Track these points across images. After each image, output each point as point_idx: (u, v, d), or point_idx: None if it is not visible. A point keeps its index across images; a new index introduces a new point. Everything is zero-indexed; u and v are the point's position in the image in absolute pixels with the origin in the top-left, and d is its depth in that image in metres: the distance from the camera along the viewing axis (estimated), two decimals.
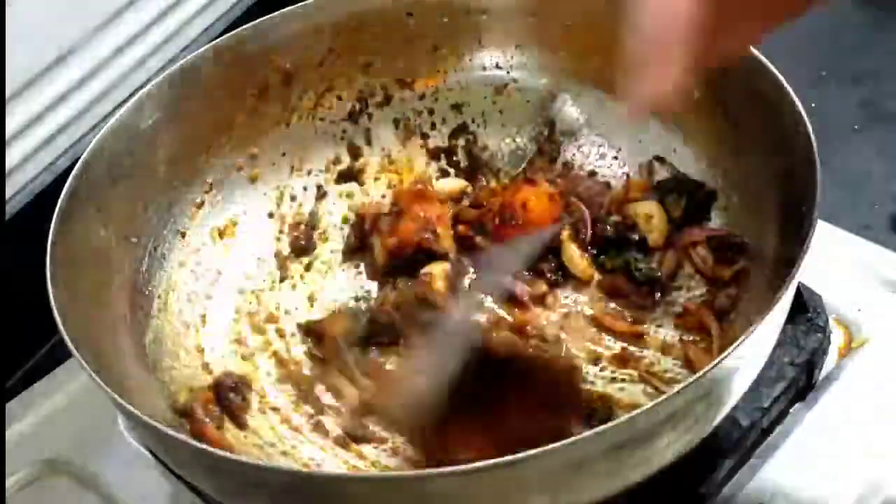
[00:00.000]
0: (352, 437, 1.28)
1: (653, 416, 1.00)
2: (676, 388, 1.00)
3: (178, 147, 1.41)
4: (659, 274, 1.36)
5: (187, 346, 1.36)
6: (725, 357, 1.02)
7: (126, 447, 1.38)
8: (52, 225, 1.22)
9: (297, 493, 1.05)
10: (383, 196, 1.53)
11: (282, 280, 1.47)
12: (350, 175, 1.54)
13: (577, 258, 1.39)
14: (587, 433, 0.98)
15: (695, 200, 1.38)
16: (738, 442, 1.26)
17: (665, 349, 1.32)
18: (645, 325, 1.35)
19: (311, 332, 1.39)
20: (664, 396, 0.99)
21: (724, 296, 1.32)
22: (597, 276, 1.40)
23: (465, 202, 1.49)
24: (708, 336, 1.30)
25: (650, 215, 1.41)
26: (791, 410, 1.31)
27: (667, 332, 1.34)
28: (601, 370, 1.32)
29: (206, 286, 1.42)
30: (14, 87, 1.52)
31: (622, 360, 1.32)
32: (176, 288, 1.39)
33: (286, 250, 1.49)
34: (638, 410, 0.99)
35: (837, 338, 1.37)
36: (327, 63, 1.50)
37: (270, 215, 1.50)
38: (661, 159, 1.44)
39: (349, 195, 1.54)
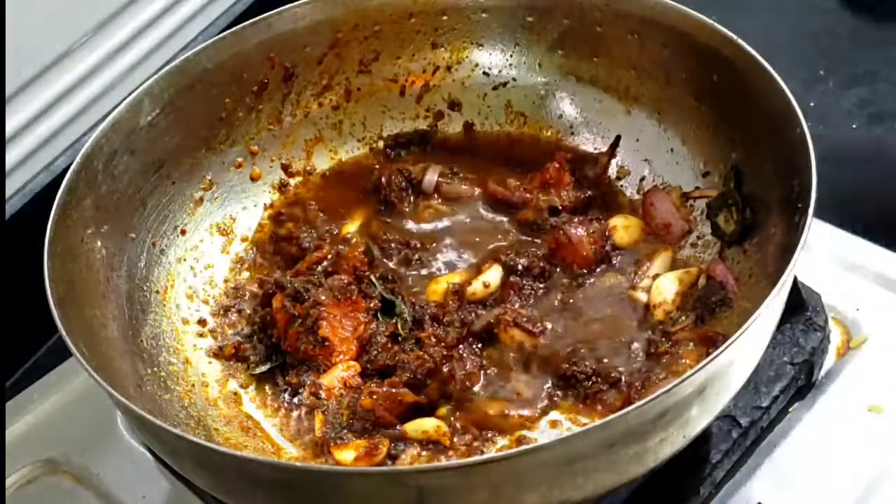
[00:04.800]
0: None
1: (644, 414, 1.00)
2: (668, 385, 1.00)
3: (177, 144, 1.42)
4: None
5: (186, 342, 1.36)
6: (720, 354, 1.02)
7: (126, 447, 1.38)
8: (50, 222, 1.23)
9: (296, 488, 1.05)
10: None
11: None
12: None
13: None
14: (577, 430, 0.98)
15: (744, 217, 1.33)
16: (737, 441, 1.26)
17: None
18: None
19: None
20: (656, 394, 0.99)
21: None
22: None
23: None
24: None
25: (625, 226, 1.41)
26: (790, 409, 1.32)
27: None
28: None
29: (204, 282, 1.43)
30: (14, 87, 1.53)
31: None
32: (174, 284, 1.40)
33: None
34: (629, 408, 0.99)
35: (836, 337, 1.37)
36: (327, 61, 1.51)
37: (268, 209, 1.51)
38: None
39: None
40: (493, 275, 1.37)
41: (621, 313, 1.33)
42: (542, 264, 1.37)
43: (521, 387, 1.28)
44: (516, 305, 1.34)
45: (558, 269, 1.37)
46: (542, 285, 1.37)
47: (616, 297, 1.35)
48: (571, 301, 1.35)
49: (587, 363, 1.27)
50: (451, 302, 1.35)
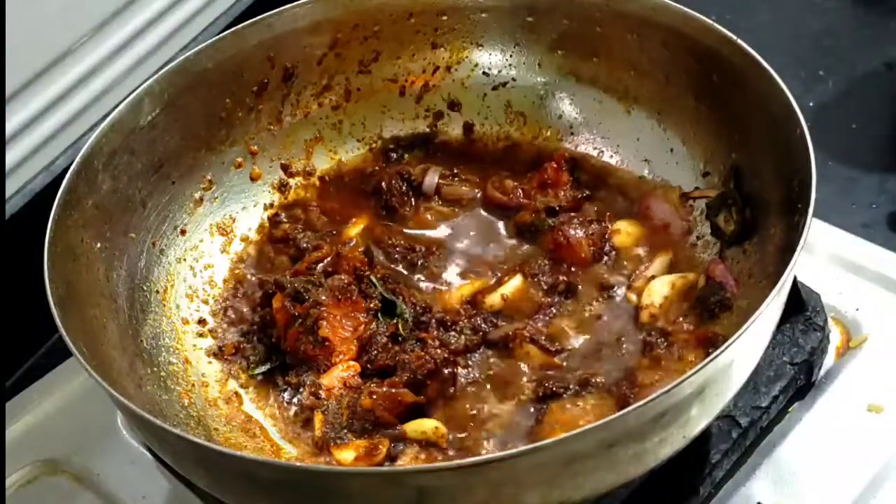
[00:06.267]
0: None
1: (644, 414, 1.00)
2: (668, 385, 1.00)
3: (177, 144, 1.42)
4: None
5: (186, 342, 1.36)
6: (720, 354, 1.02)
7: (126, 447, 1.38)
8: (50, 222, 1.23)
9: (296, 488, 1.05)
10: None
11: None
12: None
13: None
14: (577, 430, 0.98)
15: (744, 217, 1.33)
16: (737, 441, 1.26)
17: None
18: None
19: None
20: (656, 394, 0.99)
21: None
22: None
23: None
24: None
25: (628, 230, 1.41)
26: (790, 409, 1.32)
27: None
28: None
29: (204, 282, 1.43)
30: (14, 87, 1.52)
31: None
32: (174, 284, 1.40)
33: None
34: (629, 408, 0.99)
35: (835, 337, 1.38)
36: (327, 61, 1.51)
37: (268, 209, 1.51)
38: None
39: None
40: (511, 287, 1.37)
41: (615, 313, 1.34)
42: (566, 279, 1.37)
43: (509, 406, 1.28)
44: (539, 324, 1.33)
45: (581, 286, 1.37)
46: (568, 301, 1.36)
47: (612, 297, 1.36)
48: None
49: (565, 376, 1.27)
50: (463, 310, 1.36)
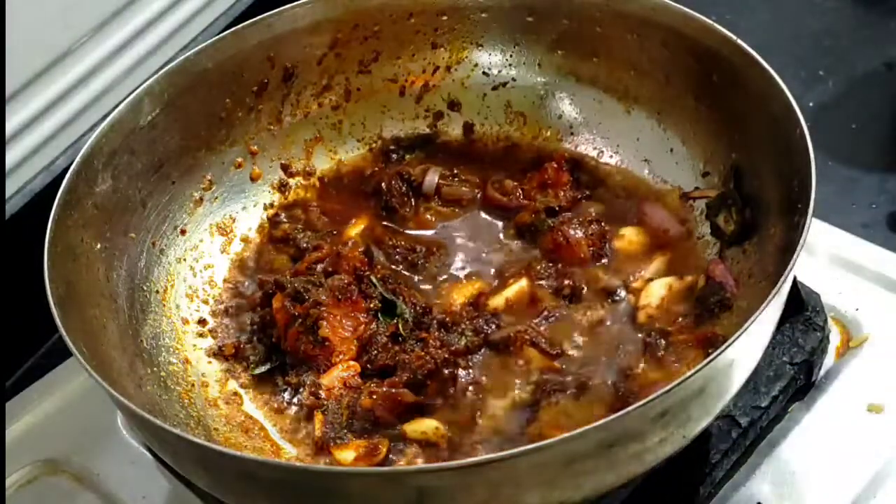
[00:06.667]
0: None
1: (644, 414, 1.00)
2: (668, 385, 1.00)
3: (177, 144, 1.42)
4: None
5: (186, 342, 1.36)
6: (720, 354, 1.02)
7: (126, 447, 1.38)
8: (50, 222, 1.23)
9: (296, 488, 1.05)
10: None
11: None
12: None
13: None
14: (577, 430, 0.98)
15: (744, 217, 1.33)
16: (736, 441, 1.26)
17: None
18: None
19: None
20: (656, 394, 0.99)
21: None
22: None
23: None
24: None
25: (630, 239, 1.41)
26: (790, 409, 1.32)
27: None
28: None
29: (204, 282, 1.43)
30: (14, 87, 1.52)
31: None
32: (174, 284, 1.40)
33: None
34: (629, 408, 0.99)
35: (835, 337, 1.37)
36: (327, 61, 1.51)
37: (268, 209, 1.51)
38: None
39: None
40: (515, 290, 1.37)
41: (616, 316, 1.34)
42: (571, 284, 1.37)
43: (509, 406, 1.28)
44: (542, 328, 1.33)
45: (585, 289, 1.36)
46: (571, 304, 1.36)
47: (615, 301, 1.36)
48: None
49: (565, 378, 1.27)
50: (465, 311, 1.35)
